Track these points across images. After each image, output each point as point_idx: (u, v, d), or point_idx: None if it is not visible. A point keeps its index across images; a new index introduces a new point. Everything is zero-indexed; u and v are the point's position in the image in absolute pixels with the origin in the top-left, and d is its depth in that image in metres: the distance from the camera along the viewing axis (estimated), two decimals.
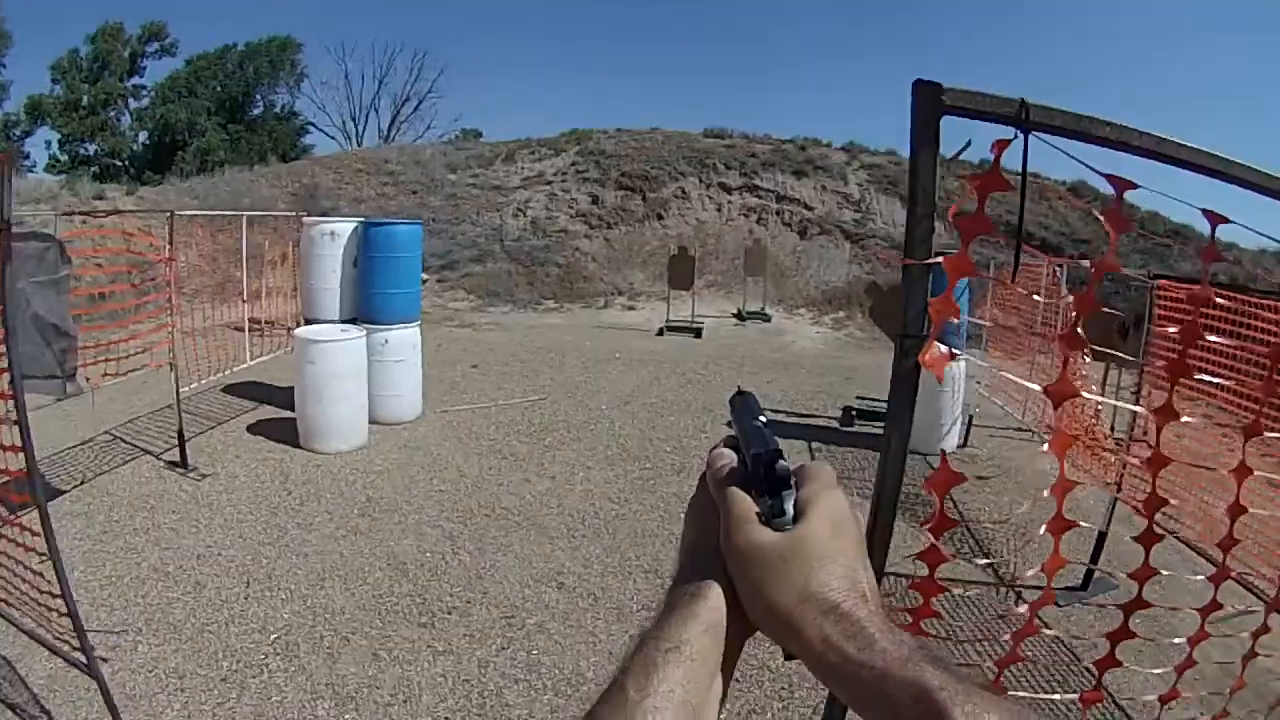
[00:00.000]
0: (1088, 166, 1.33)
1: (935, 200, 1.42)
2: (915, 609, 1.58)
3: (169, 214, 6.64)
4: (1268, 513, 3.09)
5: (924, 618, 1.58)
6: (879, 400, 8.68)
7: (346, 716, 3.68)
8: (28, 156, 31.18)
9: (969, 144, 1.39)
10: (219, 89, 34.60)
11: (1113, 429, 6.45)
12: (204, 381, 7.62)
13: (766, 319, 14.70)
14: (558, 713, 3.84)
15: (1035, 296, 7.72)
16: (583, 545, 5.60)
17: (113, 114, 33.62)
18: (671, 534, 5.76)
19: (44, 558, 3.09)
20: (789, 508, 0.62)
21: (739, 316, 14.80)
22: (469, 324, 14.01)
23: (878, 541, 1.51)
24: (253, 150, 31.49)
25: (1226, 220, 1.40)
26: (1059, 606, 4.79)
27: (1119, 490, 5.07)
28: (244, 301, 8.64)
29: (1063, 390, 1.42)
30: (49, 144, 32.55)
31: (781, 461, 0.63)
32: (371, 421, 7.54)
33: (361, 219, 8.56)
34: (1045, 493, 1.51)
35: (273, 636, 4.27)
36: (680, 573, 0.66)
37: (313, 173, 20.67)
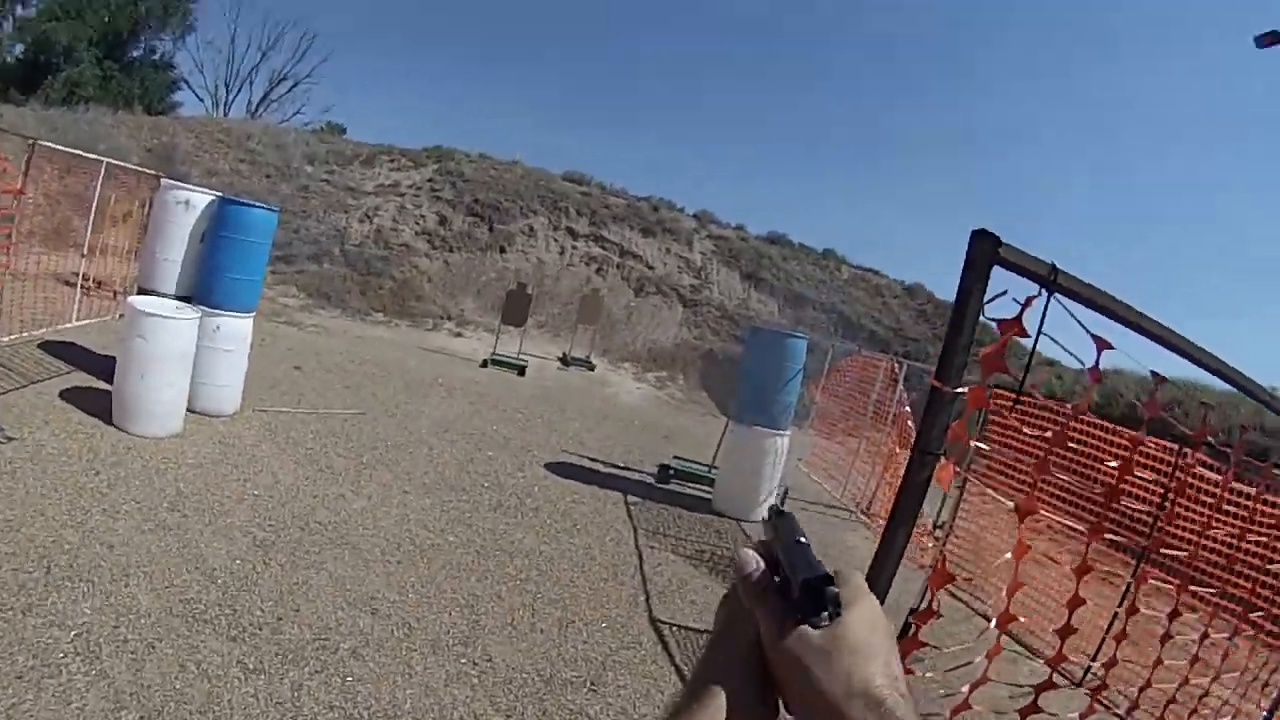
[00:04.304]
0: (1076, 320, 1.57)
1: (974, 335, 1.47)
2: None
3: (31, 142, 6.08)
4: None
5: None
6: (695, 462, 9.23)
7: None
8: None
9: (1004, 292, 1.53)
10: (106, 19, 30.88)
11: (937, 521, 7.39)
12: (23, 335, 6.93)
13: (591, 367, 14.92)
14: None
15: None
16: (397, 571, 5.63)
17: None
18: (487, 570, 5.93)
19: None
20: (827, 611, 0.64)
21: (564, 361, 14.93)
22: (296, 323, 13.39)
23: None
24: (121, 93, 28.27)
25: (1111, 346, 1.61)
26: None
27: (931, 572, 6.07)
28: (81, 255, 7.91)
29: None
30: None
31: (831, 588, 0.64)
32: (189, 409, 7.16)
33: (219, 194, 8.08)
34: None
35: (73, 634, 4.00)
36: (697, 669, 0.69)
37: (173, 131, 19.06)
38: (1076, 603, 2.77)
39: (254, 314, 8.04)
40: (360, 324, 14.87)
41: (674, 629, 5.69)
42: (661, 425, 11.97)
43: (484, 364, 13.21)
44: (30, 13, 30.41)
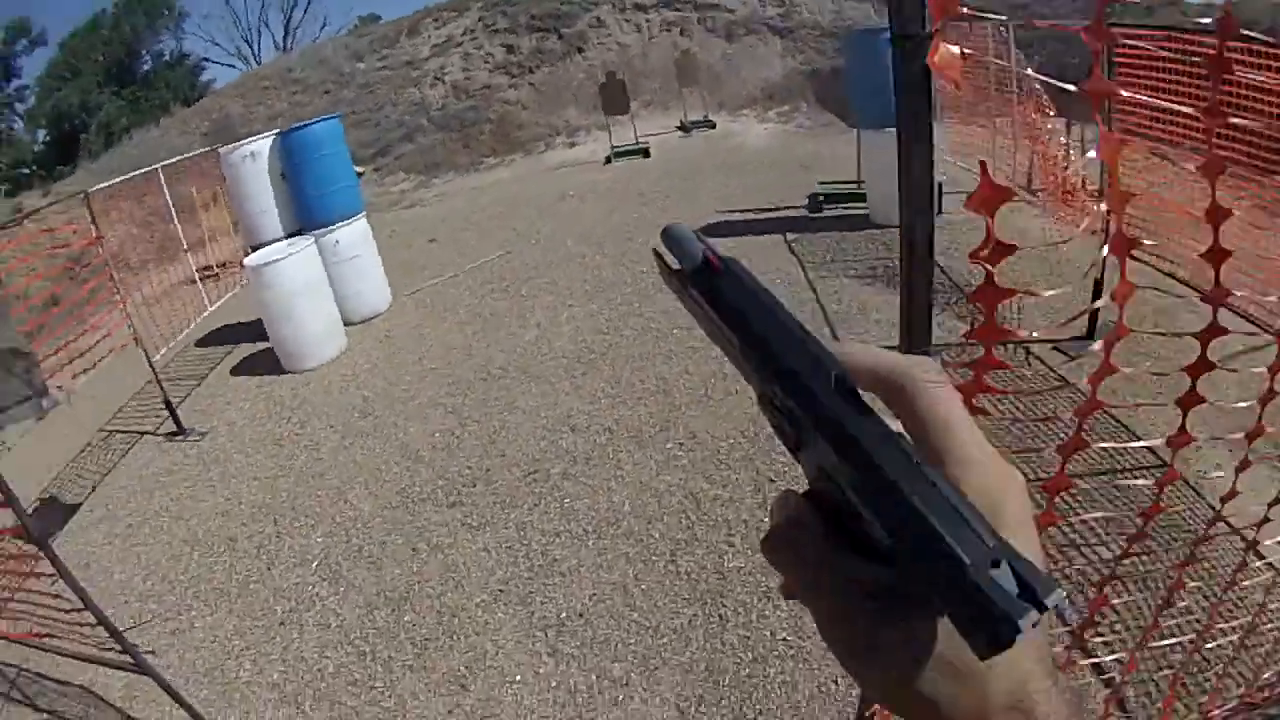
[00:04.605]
0: None
1: None
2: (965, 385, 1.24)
3: (83, 194, 6.01)
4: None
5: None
6: (841, 183, 8.19)
7: (405, 618, 3.55)
8: None
9: None
10: (101, 59, 31.41)
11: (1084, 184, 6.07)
12: (173, 345, 7.19)
13: (711, 125, 13.67)
14: (605, 554, 3.70)
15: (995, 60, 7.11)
16: (585, 383, 5.33)
17: (3, 125, 30.95)
18: (669, 351, 5.50)
19: (53, 578, 2.88)
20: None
21: (683, 128, 13.71)
22: (416, 202, 13.15)
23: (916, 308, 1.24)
24: (154, 106, 28.83)
25: None
26: (1070, 358, 4.62)
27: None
28: (186, 252, 8.04)
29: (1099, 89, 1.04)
30: None
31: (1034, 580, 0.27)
32: (346, 324, 7.14)
33: (275, 132, 7.75)
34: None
35: (314, 565, 4.09)
36: None
37: (220, 106, 19.06)
38: None
39: (363, 214, 7.78)
40: (475, 175, 14.40)
41: None
42: (796, 157, 10.53)
43: (607, 160, 12.43)
44: (30, 103, 31.11)
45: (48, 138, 31.36)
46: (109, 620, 2.94)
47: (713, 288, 0.37)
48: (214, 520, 4.81)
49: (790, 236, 7.45)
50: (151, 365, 5.93)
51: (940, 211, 7.37)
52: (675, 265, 0.38)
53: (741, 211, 8.47)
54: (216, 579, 4.24)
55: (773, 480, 3.93)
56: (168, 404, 6.02)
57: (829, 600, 0.35)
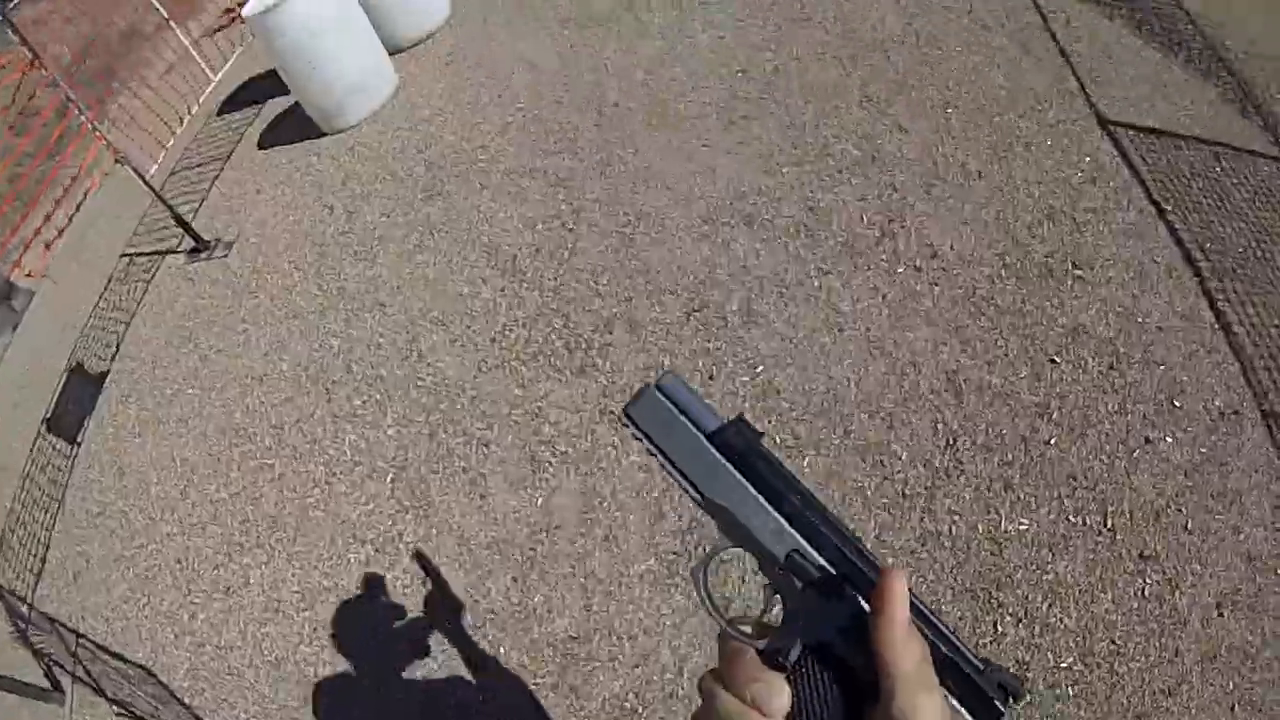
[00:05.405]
0: None
1: None
2: None
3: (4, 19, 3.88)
4: None
5: None
6: None
7: None
8: None
9: None
10: None
11: None
12: (174, 142, 5.36)
13: None
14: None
15: None
16: (749, 135, 3.19)
17: None
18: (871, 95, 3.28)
19: None
20: None
21: None
22: None
23: None
24: None
25: None
26: None
27: None
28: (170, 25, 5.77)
29: None
30: None
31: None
32: (392, 51, 4.99)
33: None
34: None
35: (380, 333, 2.54)
36: None
37: None
38: None
39: None
40: None
41: (1135, 134, 2.77)
42: None
43: None
44: None
45: None
46: None
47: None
48: (251, 397, 3.31)
49: None
50: (144, 179, 4.21)
51: None
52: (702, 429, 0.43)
53: None
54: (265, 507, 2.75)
55: None
56: (178, 219, 4.31)
57: None
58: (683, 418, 0.42)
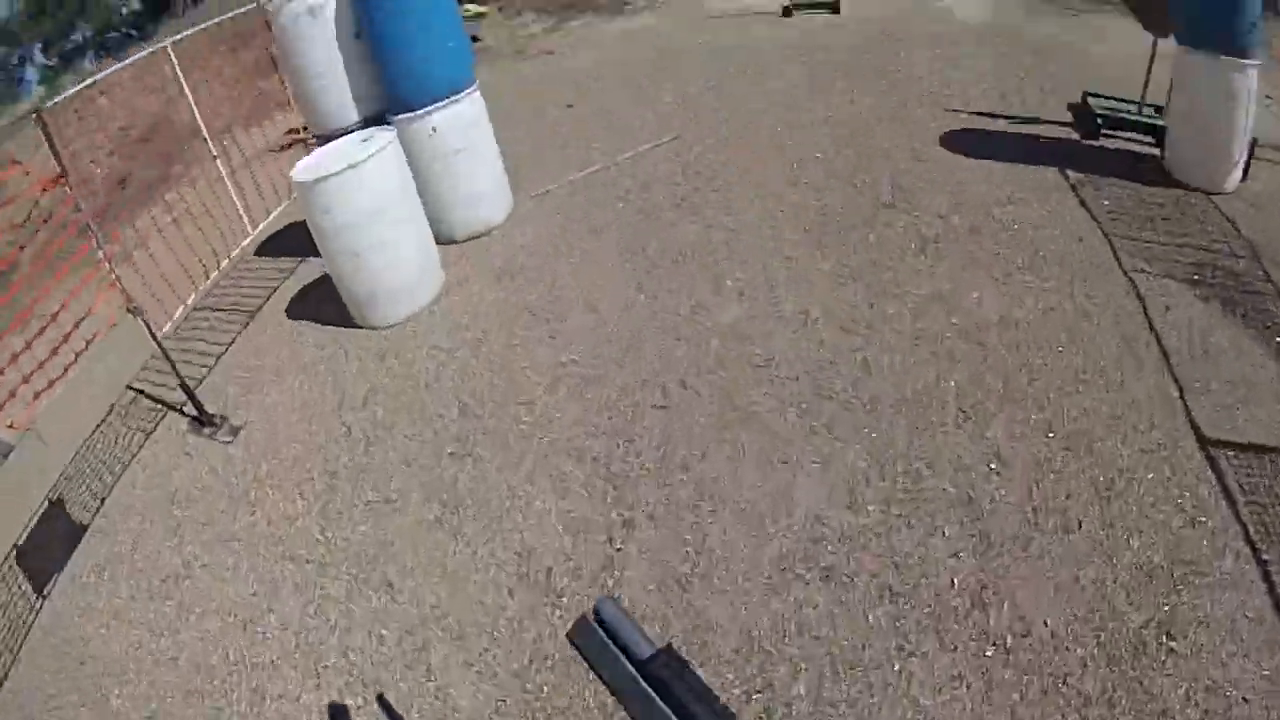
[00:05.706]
0: None
1: None
2: None
3: (34, 115, 3.70)
4: None
5: None
6: (1127, 100, 5.14)
7: None
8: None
9: None
10: None
11: None
12: (199, 294, 5.12)
13: None
14: None
15: None
16: (843, 457, 3.06)
17: None
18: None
19: None
20: None
21: None
22: (546, 50, 9.63)
23: None
24: None
25: None
26: None
27: None
28: (216, 159, 5.52)
29: None
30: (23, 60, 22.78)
31: None
32: (442, 241, 4.90)
33: None
34: None
35: None
36: None
37: None
38: None
39: (474, 87, 5.07)
40: (621, 20, 10.71)
41: (1234, 455, 2.78)
42: (1024, 39, 6.87)
43: (785, 12, 8.82)
44: None
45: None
46: None
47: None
48: (231, 642, 3.02)
49: (1071, 176, 4.69)
50: (156, 338, 3.95)
51: (1245, 178, 4.47)
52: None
53: (972, 115, 5.55)
54: None
55: None
56: (185, 389, 4.08)
57: None
58: (614, 647, 0.50)
